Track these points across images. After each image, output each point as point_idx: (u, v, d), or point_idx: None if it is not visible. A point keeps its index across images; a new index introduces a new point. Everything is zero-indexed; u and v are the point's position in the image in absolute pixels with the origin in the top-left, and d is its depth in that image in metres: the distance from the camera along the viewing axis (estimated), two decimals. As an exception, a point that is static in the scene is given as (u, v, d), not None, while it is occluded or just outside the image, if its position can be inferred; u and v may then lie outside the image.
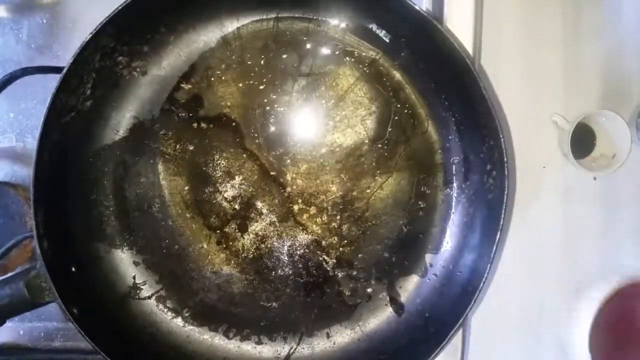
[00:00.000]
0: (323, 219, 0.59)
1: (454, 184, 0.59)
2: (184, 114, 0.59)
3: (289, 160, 0.59)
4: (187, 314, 0.59)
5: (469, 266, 0.55)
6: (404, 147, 0.59)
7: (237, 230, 0.59)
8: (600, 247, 0.65)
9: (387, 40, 0.58)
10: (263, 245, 0.59)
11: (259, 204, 0.59)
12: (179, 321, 0.59)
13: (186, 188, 0.59)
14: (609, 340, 0.63)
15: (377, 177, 0.59)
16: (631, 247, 0.65)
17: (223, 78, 0.59)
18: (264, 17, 0.59)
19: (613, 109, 0.63)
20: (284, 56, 0.59)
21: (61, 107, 0.52)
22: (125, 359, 0.51)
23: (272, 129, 0.59)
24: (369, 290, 0.59)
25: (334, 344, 0.59)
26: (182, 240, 0.59)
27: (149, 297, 0.58)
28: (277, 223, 0.59)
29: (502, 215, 0.51)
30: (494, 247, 0.51)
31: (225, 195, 0.59)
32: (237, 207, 0.59)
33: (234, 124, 0.59)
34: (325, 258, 0.59)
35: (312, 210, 0.59)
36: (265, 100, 0.59)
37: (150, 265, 0.59)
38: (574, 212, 0.65)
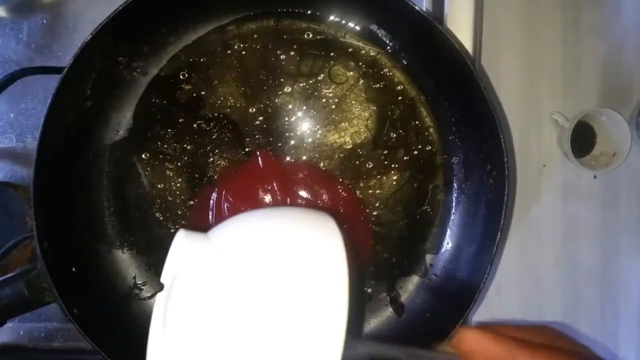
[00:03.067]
0: (323, 218, 0.59)
1: (454, 184, 0.59)
2: (184, 115, 0.59)
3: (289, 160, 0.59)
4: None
5: (469, 266, 0.55)
6: (404, 147, 0.59)
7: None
8: (601, 246, 0.65)
9: (387, 41, 0.58)
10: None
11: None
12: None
13: (186, 188, 0.59)
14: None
15: (377, 178, 0.59)
16: (632, 245, 0.65)
17: (223, 78, 0.59)
18: (264, 17, 0.59)
19: (613, 107, 0.63)
20: (284, 56, 0.59)
21: (61, 107, 0.52)
22: (125, 359, 0.51)
23: (273, 129, 0.59)
24: (369, 290, 0.59)
25: (334, 343, 0.59)
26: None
27: (150, 298, 0.58)
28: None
29: (502, 215, 0.51)
30: (494, 247, 0.51)
31: (226, 195, 0.59)
32: (237, 207, 0.59)
33: (233, 124, 0.59)
34: (326, 258, 0.59)
35: (312, 210, 0.59)
36: (265, 101, 0.59)
37: (151, 266, 0.59)
38: (574, 210, 0.66)
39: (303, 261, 0.29)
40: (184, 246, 0.30)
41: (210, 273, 0.28)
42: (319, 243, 0.30)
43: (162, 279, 0.29)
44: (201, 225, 0.58)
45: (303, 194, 0.58)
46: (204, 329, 0.27)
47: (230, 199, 0.57)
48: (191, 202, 0.59)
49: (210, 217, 0.58)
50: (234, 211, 0.57)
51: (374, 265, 0.59)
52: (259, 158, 0.58)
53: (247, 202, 0.57)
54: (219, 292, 0.28)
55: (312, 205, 0.57)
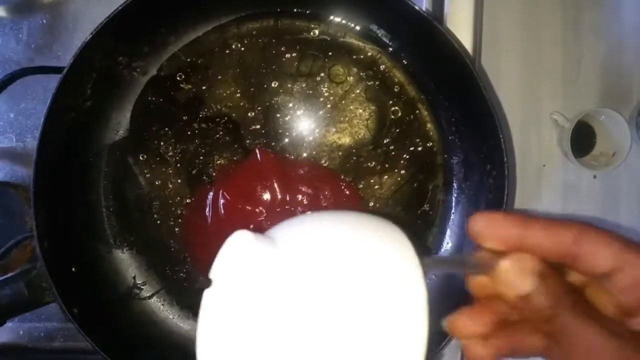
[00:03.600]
0: (323, 218, 0.59)
1: (454, 184, 0.59)
2: (184, 114, 0.59)
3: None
4: (188, 314, 0.59)
5: (469, 266, 0.55)
6: (404, 147, 0.59)
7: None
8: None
9: (387, 41, 0.58)
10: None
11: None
12: (180, 321, 0.59)
13: (187, 188, 0.59)
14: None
15: (377, 177, 0.59)
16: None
17: (223, 78, 0.59)
18: (264, 16, 0.59)
19: (613, 107, 0.63)
20: (284, 56, 0.59)
21: (61, 107, 0.52)
22: (125, 359, 0.51)
23: (273, 129, 0.59)
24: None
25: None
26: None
27: (150, 297, 0.58)
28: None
29: (502, 215, 0.51)
30: (494, 247, 0.51)
31: (226, 195, 0.59)
32: (237, 207, 0.59)
33: (233, 124, 0.59)
34: (326, 258, 0.59)
35: (312, 210, 0.59)
36: (265, 100, 0.59)
37: (151, 266, 0.59)
38: (574, 210, 0.65)
39: (378, 278, 0.26)
40: (247, 246, 0.26)
41: (277, 279, 0.26)
42: (396, 260, 0.28)
43: (212, 275, 0.27)
44: (198, 224, 0.58)
45: (304, 190, 0.57)
46: (266, 337, 0.25)
47: (227, 197, 0.57)
48: (188, 200, 0.59)
49: (207, 215, 0.58)
50: (231, 208, 0.57)
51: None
52: (258, 154, 0.58)
53: (245, 199, 0.57)
54: (285, 300, 0.25)
55: (313, 201, 0.57)
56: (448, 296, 0.56)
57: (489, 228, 0.30)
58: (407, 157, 0.59)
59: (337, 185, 0.58)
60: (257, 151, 0.58)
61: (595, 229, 0.28)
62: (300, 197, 0.57)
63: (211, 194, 0.58)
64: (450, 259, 0.33)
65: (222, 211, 0.57)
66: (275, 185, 0.57)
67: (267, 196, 0.57)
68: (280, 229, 0.29)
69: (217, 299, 0.26)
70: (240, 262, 0.26)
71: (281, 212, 0.57)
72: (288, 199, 0.57)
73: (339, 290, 0.26)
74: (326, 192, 0.57)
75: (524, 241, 0.29)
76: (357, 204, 0.58)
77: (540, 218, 0.29)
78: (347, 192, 0.58)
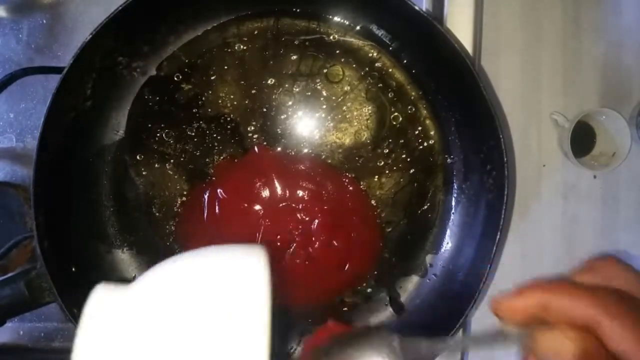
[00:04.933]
0: (323, 218, 0.59)
1: (454, 184, 0.59)
2: (183, 114, 0.59)
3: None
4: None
5: (469, 266, 0.55)
6: (404, 148, 0.59)
7: (237, 230, 0.59)
8: (600, 246, 0.65)
9: (387, 41, 0.58)
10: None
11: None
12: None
13: (186, 188, 0.59)
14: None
15: (377, 178, 0.59)
16: (631, 245, 0.65)
17: (223, 78, 0.59)
18: (264, 17, 0.59)
19: (613, 107, 0.63)
20: (284, 56, 0.59)
21: (61, 107, 0.52)
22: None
23: (272, 129, 0.59)
24: (369, 290, 0.59)
25: (334, 343, 0.59)
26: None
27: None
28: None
29: (502, 215, 0.51)
30: (494, 247, 0.51)
31: (226, 195, 0.59)
32: (237, 207, 0.59)
33: (233, 124, 0.59)
34: (326, 258, 0.59)
35: (312, 210, 0.59)
36: (265, 100, 0.59)
37: (151, 266, 0.58)
38: (574, 210, 0.65)
39: (222, 292, 0.29)
40: (104, 297, 0.31)
41: (132, 318, 0.29)
42: (238, 274, 0.30)
43: (79, 333, 0.30)
44: (194, 222, 0.58)
45: (305, 185, 0.57)
46: None
47: (224, 194, 0.57)
48: (184, 199, 0.59)
49: (204, 213, 0.58)
50: (227, 206, 0.57)
51: (373, 266, 0.59)
52: (256, 150, 0.58)
53: (242, 196, 0.57)
54: (142, 336, 0.29)
55: (315, 198, 0.57)
56: (448, 296, 0.57)
57: (508, 313, 0.30)
58: (407, 157, 0.59)
59: (339, 181, 0.58)
60: (256, 147, 0.58)
61: (617, 307, 0.27)
62: (301, 193, 0.57)
63: (207, 192, 0.58)
64: (490, 335, 0.33)
65: (218, 209, 0.57)
66: (275, 181, 0.57)
67: (266, 193, 0.57)
68: (144, 274, 0.33)
69: (90, 346, 0.30)
70: (98, 310, 0.31)
71: (282, 209, 0.57)
72: (288, 195, 0.57)
73: (185, 316, 0.29)
74: (329, 188, 0.57)
75: (548, 308, 0.29)
76: (361, 200, 0.58)
77: (574, 287, 0.29)
78: (351, 189, 0.58)
